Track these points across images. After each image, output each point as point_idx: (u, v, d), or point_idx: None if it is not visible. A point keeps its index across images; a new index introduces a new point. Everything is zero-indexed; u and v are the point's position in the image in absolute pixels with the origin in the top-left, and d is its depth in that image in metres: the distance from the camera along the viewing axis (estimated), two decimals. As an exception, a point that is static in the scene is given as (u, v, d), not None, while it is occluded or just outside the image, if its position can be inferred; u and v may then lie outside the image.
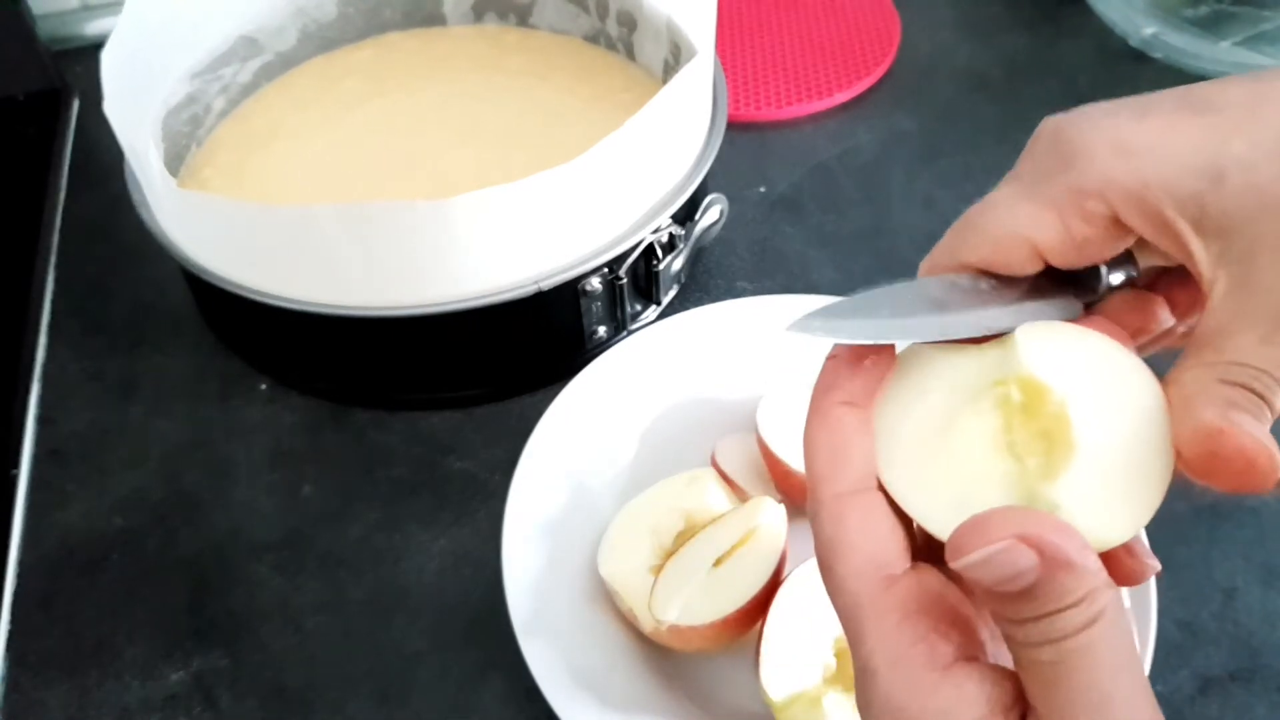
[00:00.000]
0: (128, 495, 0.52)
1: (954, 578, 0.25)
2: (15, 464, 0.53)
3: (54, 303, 0.61)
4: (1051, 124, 0.26)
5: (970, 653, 0.24)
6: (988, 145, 0.68)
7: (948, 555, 0.23)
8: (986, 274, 0.27)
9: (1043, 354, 0.25)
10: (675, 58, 0.62)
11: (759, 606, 0.42)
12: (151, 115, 0.58)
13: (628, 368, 0.51)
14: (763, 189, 0.66)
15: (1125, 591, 0.41)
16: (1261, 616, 0.46)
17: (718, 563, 0.43)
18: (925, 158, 0.68)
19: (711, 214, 0.56)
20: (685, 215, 0.55)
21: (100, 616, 0.48)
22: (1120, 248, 0.26)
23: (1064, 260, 0.26)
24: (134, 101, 0.54)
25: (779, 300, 0.53)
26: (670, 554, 0.44)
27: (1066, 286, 0.28)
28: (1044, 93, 0.71)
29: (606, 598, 0.45)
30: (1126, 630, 0.23)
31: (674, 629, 0.41)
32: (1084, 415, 0.25)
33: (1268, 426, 0.23)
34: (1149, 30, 0.70)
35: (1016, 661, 0.23)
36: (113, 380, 0.57)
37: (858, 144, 0.69)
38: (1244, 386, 0.23)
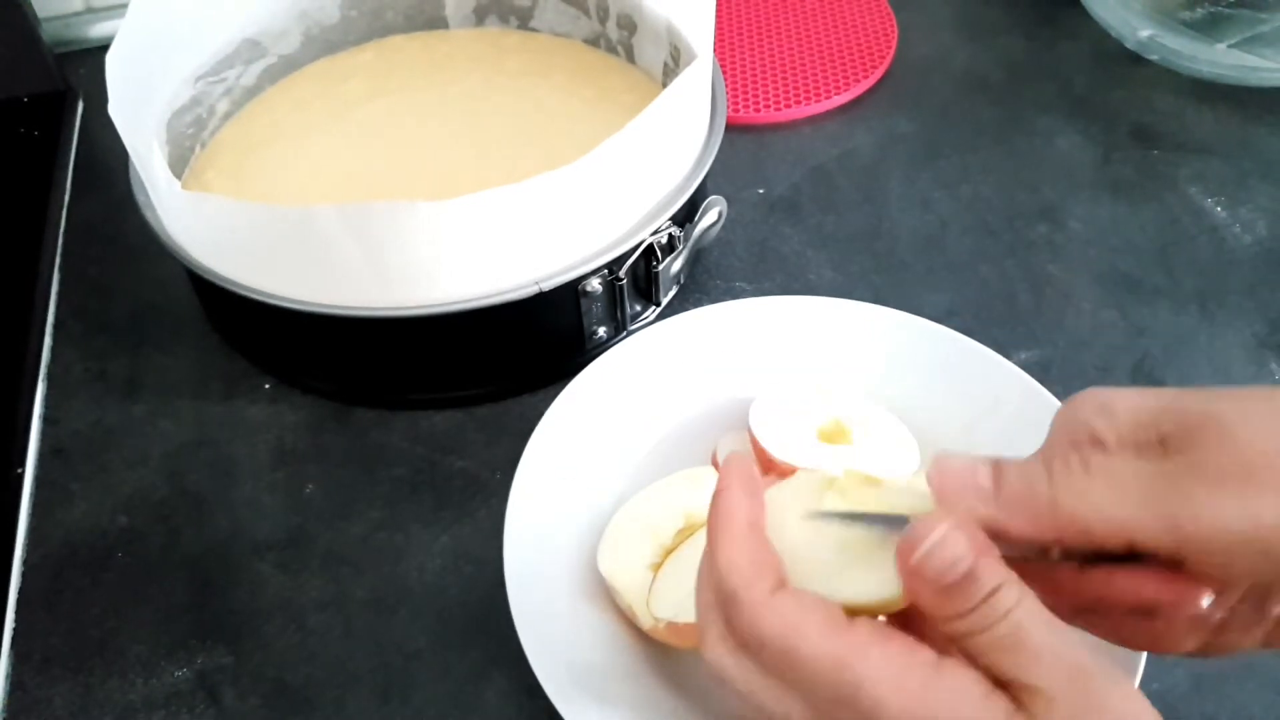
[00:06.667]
0: (131, 494, 0.52)
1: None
2: (21, 463, 0.53)
3: (58, 303, 0.61)
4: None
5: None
6: (986, 147, 0.68)
7: (900, 563, 0.27)
8: None
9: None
10: (675, 60, 0.62)
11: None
12: (155, 117, 0.58)
13: (628, 368, 0.51)
14: (761, 190, 0.66)
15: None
16: (1256, 614, 0.46)
17: (716, 560, 0.43)
18: (923, 159, 0.68)
19: (710, 215, 0.57)
20: (685, 217, 0.55)
21: (104, 614, 0.48)
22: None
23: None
24: (138, 104, 0.55)
25: (778, 301, 0.53)
26: (669, 552, 0.44)
27: None
28: (1041, 95, 0.71)
29: (606, 595, 0.45)
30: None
31: (672, 626, 0.42)
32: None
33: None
34: (1145, 33, 0.70)
35: (974, 653, 0.26)
36: (116, 380, 0.57)
37: (856, 146, 0.69)
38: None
